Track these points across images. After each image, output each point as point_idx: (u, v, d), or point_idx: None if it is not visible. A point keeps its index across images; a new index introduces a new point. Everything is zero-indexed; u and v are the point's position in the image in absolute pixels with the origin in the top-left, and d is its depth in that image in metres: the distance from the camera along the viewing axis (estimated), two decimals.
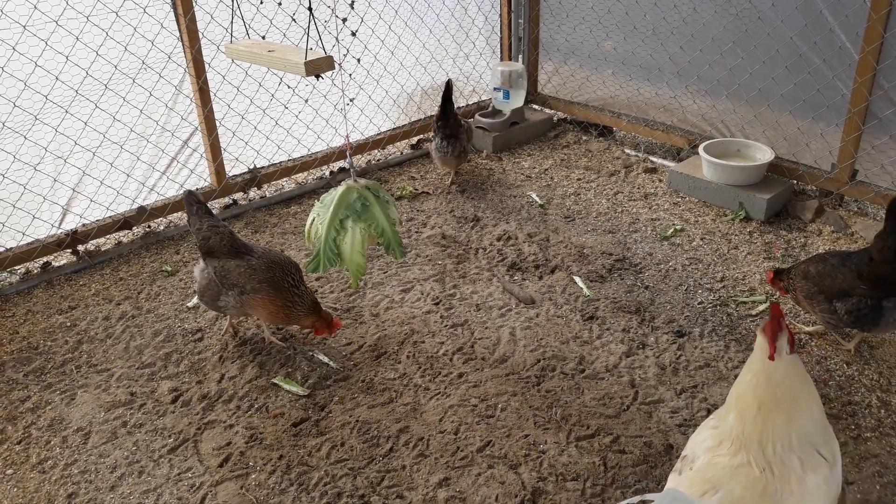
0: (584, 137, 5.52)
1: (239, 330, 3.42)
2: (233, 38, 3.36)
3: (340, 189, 2.95)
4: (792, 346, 1.89)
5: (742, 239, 4.06)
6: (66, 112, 3.80)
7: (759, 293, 3.58)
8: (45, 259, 3.96)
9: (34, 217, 3.86)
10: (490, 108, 5.49)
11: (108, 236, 4.14)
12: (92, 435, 2.85)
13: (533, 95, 5.84)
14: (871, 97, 3.92)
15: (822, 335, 3.27)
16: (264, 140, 4.65)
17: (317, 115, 4.82)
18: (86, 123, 3.89)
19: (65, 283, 3.86)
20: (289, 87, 4.61)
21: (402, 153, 5.36)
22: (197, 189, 4.40)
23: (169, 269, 3.94)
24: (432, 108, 5.31)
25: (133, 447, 2.79)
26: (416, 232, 4.26)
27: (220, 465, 2.69)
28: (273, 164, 4.72)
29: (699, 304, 3.54)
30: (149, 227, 4.30)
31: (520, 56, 5.75)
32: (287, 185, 4.88)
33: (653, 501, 1.71)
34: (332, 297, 3.67)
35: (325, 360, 3.21)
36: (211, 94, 4.24)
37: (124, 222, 4.13)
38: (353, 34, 4.75)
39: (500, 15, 5.71)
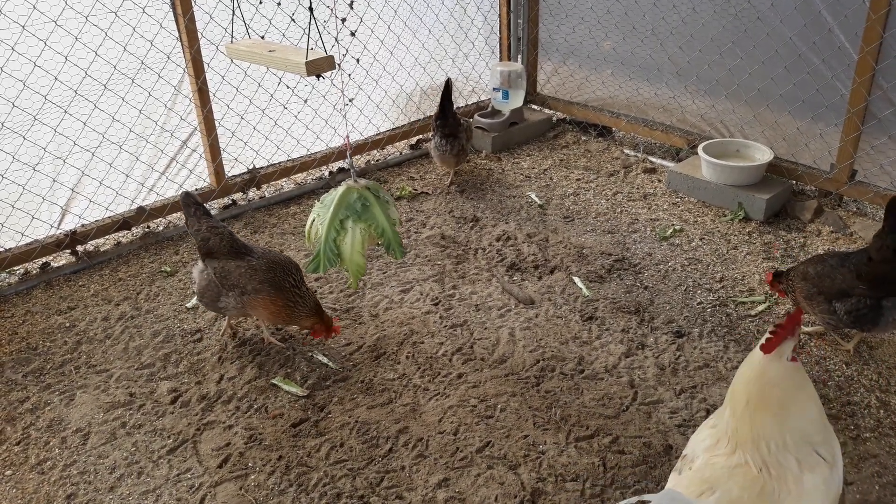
0: (584, 137, 5.52)
1: (238, 330, 3.42)
2: (233, 38, 3.36)
3: (340, 189, 2.95)
4: (795, 354, 1.89)
5: (741, 239, 4.07)
6: (66, 112, 3.80)
7: (759, 293, 3.58)
8: (44, 259, 3.96)
9: (33, 217, 3.86)
10: (489, 109, 5.48)
11: (107, 237, 4.14)
12: (91, 436, 2.84)
13: (532, 95, 5.83)
14: (870, 97, 3.92)
15: (821, 335, 3.27)
16: (263, 140, 4.64)
17: (316, 115, 4.82)
18: (85, 124, 3.89)
19: (64, 283, 3.86)
20: (288, 87, 4.60)
21: (401, 153, 5.36)
22: (196, 189, 4.40)
23: (168, 269, 3.94)
24: (431, 108, 5.30)
25: (132, 448, 2.79)
26: (416, 232, 4.25)
27: (220, 466, 2.69)
28: (272, 165, 4.72)
29: (698, 304, 3.54)
30: (148, 227, 4.30)
31: (519, 56, 5.75)
32: (286, 185, 4.87)
33: (651, 502, 1.71)
34: (331, 297, 3.67)
35: (325, 360, 3.21)
36: (210, 94, 4.24)
37: (123, 223, 4.13)
38: (353, 34, 4.75)
39: (500, 15, 5.71)
